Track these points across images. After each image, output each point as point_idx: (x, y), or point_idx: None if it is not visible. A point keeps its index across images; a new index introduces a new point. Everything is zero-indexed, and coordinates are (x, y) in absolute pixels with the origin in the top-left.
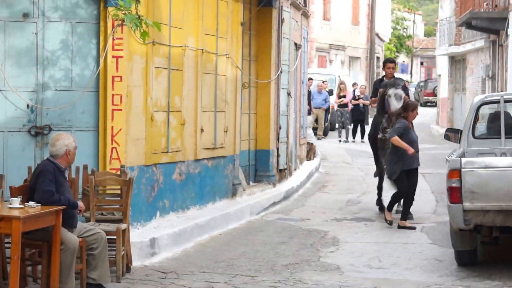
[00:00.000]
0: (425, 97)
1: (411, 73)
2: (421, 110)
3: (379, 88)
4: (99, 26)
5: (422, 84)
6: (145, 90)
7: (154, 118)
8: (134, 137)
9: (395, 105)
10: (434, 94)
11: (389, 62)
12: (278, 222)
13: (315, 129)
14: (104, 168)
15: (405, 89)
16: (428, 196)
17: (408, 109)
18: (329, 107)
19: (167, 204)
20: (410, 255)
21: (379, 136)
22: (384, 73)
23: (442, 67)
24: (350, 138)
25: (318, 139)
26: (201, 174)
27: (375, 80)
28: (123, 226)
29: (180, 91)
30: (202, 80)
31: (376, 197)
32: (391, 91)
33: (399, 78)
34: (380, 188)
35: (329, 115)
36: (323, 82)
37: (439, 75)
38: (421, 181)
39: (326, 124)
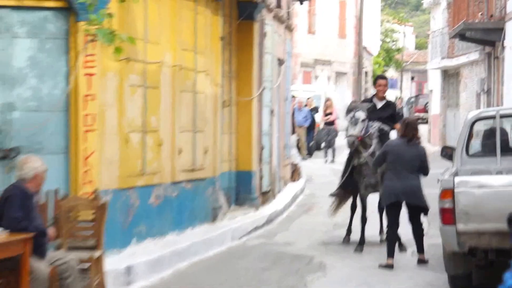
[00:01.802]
0: (416, 114)
1: (401, 89)
2: None
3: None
4: (69, 42)
5: (412, 100)
6: (119, 110)
7: (129, 139)
8: (107, 159)
9: (349, 130)
10: (425, 110)
11: (380, 78)
12: (261, 247)
13: (299, 148)
14: (76, 193)
15: (393, 110)
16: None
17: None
18: (312, 125)
19: (143, 230)
20: (401, 281)
21: (354, 161)
22: (375, 91)
23: (434, 81)
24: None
25: (303, 159)
26: (180, 197)
27: (364, 99)
28: (96, 253)
29: (157, 110)
30: (180, 98)
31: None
32: (348, 115)
33: (388, 101)
34: (351, 219)
35: (314, 134)
36: (308, 99)
37: (431, 90)
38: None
39: (312, 143)
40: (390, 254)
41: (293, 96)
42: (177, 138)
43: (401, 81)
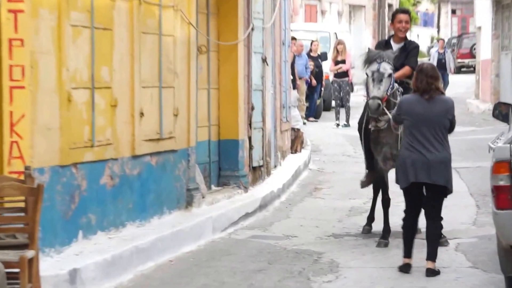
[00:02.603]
0: (459, 60)
1: (438, 27)
2: (452, 78)
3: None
4: None
5: (454, 41)
6: (58, 59)
7: (72, 98)
8: (43, 126)
9: (372, 90)
10: (471, 55)
11: (400, 12)
12: (252, 241)
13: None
14: (1, 172)
15: (412, 58)
16: (465, 200)
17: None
18: (319, 77)
19: (93, 220)
20: (442, 285)
21: (370, 126)
22: (392, 31)
23: (484, 15)
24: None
25: (304, 123)
26: (142, 176)
27: (378, 41)
28: (29, 253)
29: (110, 59)
30: (140, 43)
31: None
32: (369, 69)
33: (409, 42)
34: (374, 203)
35: (322, 89)
36: (313, 42)
37: (479, 28)
38: (455, 178)
39: (319, 101)
40: (407, 251)
41: (293, 39)
42: (137, 97)
43: (439, 16)
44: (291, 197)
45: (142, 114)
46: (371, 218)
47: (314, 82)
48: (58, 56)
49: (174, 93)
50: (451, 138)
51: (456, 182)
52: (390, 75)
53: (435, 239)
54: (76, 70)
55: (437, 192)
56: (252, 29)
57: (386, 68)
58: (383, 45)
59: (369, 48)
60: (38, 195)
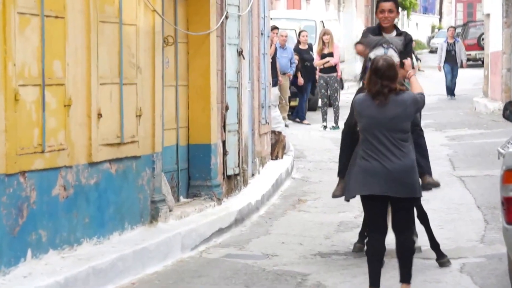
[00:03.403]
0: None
1: (440, 14)
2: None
3: (362, 44)
4: None
5: (459, 30)
6: (3, 51)
7: (19, 97)
8: None
9: None
10: (479, 46)
11: (383, 1)
12: (227, 261)
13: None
14: None
15: (408, 51)
16: (471, 214)
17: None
18: (313, 72)
19: (44, 237)
20: None
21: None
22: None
23: (493, 1)
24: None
25: (286, 125)
26: (100, 186)
27: (366, 28)
28: None
29: (62, 51)
30: (97, 33)
31: None
32: (372, 53)
33: (402, 32)
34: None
35: (316, 85)
36: (301, 32)
37: (488, 15)
38: (460, 189)
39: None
40: (374, 278)
41: (275, 28)
42: (94, 95)
43: (441, 2)
44: (271, 210)
45: (100, 115)
46: (363, 235)
47: (300, 80)
48: (2, 48)
49: (137, 90)
50: (455, 142)
51: (462, 192)
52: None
53: (407, 256)
54: (24, 64)
55: (402, 203)
56: (226, 17)
57: (394, 55)
58: (376, 32)
59: (368, 28)
60: None
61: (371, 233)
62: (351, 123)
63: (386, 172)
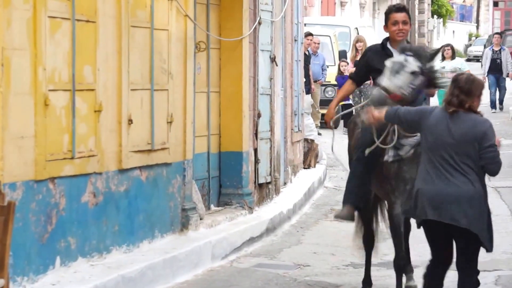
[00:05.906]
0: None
1: (477, 21)
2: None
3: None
4: None
5: None
6: (33, 56)
7: (49, 102)
8: (15, 134)
9: (386, 82)
10: None
11: (395, 11)
12: (258, 270)
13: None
14: None
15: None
16: (507, 225)
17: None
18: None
19: (73, 245)
20: None
21: (386, 157)
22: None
23: None
24: None
25: (319, 133)
26: (130, 193)
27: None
28: None
29: (93, 56)
30: (129, 38)
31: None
32: (389, 61)
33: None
34: (368, 261)
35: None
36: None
37: None
38: (495, 200)
39: (337, 108)
40: None
41: (309, 35)
42: (125, 101)
43: (478, 10)
44: (303, 220)
45: (130, 121)
46: (368, 283)
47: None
48: (33, 52)
49: (168, 97)
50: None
51: (497, 204)
52: (413, 73)
53: None
54: (54, 69)
55: (464, 238)
56: (259, 23)
57: (412, 63)
58: (379, 52)
59: (370, 48)
60: (9, 215)
61: (431, 264)
62: (365, 144)
63: (441, 195)
